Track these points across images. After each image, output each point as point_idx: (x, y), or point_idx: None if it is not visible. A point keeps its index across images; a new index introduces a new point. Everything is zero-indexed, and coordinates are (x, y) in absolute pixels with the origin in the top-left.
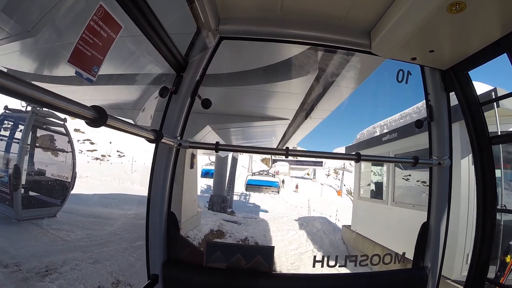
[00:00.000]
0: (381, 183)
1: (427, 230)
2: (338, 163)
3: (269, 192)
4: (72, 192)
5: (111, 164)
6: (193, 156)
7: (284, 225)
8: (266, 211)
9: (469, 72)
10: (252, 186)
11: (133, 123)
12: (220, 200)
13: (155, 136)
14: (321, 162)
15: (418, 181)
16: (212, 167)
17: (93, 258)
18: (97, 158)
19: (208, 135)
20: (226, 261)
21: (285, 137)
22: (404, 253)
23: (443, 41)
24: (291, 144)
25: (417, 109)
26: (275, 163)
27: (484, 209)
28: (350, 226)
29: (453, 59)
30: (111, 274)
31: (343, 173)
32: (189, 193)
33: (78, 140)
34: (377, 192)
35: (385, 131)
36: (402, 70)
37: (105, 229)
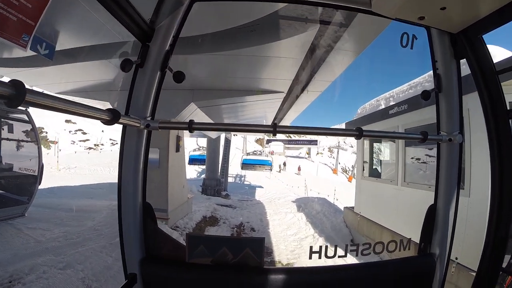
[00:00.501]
0: (389, 162)
1: (434, 213)
2: (333, 141)
3: (263, 170)
4: (57, 184)
5: (100, 153)
6: (179, 139)
7: (281, 207)
8: (262, 187)
9: (483, 35)
10: (247, 165)
11: (84, 103)
12: (213, 184)
13: (111, 117)
14: (316, 140)
15: (431, 157)
16: (201, 153)
17: (65, 261)
18: (89, 148)
19: (195, 114)
20: (211, 255)
21: (279, 115)
22: (409, 240)
23: None
24: (287, 122)
25: (429, 78)
26: (269, 143)
27: (501, 192)
28: (352, 208)
29: (466, 21)
30: (83, 280)
31: (338, 151)
32: (176, 179)
33: (70, 131)
34: (385, 172)
35: (392, 103)
36: (406, 33)
37: (85, 224)
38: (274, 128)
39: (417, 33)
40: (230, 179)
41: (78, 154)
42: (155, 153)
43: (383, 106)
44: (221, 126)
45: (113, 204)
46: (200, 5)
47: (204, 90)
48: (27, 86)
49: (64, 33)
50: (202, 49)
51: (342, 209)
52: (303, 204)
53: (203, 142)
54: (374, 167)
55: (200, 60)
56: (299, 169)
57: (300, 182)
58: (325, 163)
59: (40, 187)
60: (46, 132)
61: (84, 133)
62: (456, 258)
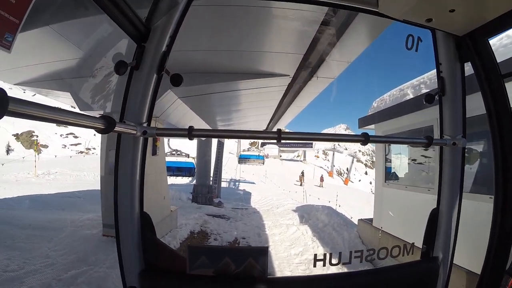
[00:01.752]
0: (426, 165)
1: (437, 217)
2: (328, 144)
3: (256, 163)
4: (30, 193)
5: (84, 157)
6: (156, 139)
7: (281, 217)
8: (257, 192)
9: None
10: (243, 159)
11: (78, 111)
12: (205, 191)
13: (106, 125)
14: (311, 143)
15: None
16: (177, 159)
17: None
18: (81, 152)
19: (175, 108)
20: (212, 266)
21: (275, 117)
22: (413, 244)
23: None
24: (281, 125)
25: None
26: (264, 146)
27: (504, 194)
28: (369, 220)
29: (472, 23)
30: None
31: (333, 154)
32: (153, 189)
33: (61, 135)
34: (419, 178)
35: (424, 91)
36: (412, 35)
37: (39, 247)
38: (278, 135)
39: (421, 35)
40: (224, 184)
41: (62, 158)
42: None
43: (411, 96)
44: (222, 133)
45: (84, 219)
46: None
47: (186, 74)
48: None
49: (51, 31)
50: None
51: (353, 220)
52: (306, 214)
53: (177, 144)
54: (402, 172)
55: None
56: (321, 180)
57: (297, 187)
58: (320, 166)
59: (5, 196)
60: (37, 136)
61: (76, 137)
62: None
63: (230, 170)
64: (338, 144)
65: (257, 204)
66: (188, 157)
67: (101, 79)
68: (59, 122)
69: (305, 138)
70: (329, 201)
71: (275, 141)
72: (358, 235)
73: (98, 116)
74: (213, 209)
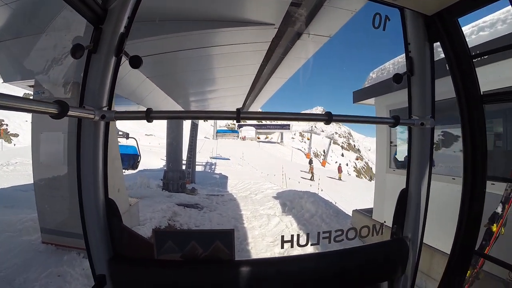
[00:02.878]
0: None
1: (406, 197)
2: (306, 126)
3: (232, 137)
4: None
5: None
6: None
7: (261, 206)
8: (234, 176)
9: (459, 19)
10: (221, 133)
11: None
12: (176, 177)
13: (59, 110)
14: (288, 125)
15: None
16: (129, 143)
17: None
18: None
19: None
20: (179, 251)
21: (254, 91)
22: (382, 224)
23: None
24: (258, 103)
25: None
26: (240, 128)
27: (473, 177)
28: (367, 212)
29: (442, 3)
30: None
31: (311, 136)
32: None
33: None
34: (441, 164)
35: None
36: (379, 13)
37: None
38: (237, 115)
39: (390, 14)
40: (199, 168)
41: (23, 147)
42: (57, 141)
43: None
44: (182, 114)
45: (28, 219)
46: None
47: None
48: None
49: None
50: None
51: (342, 208)
52: (288, 202)
53: (125, 125)
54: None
55: None
56: (340, 170)
57: (276, 169)
58: (297, 148)
59: None
60: (7, 125)
61: None
62: None
63: (206, 153)
64: (315, 126)
65: (234, 189)
66: (128, 138)
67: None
68: (10, 109)
69: (267, 118)
70: (310, 185)
71: (235, 121)
72: (354, 231)
73: (51, 101)
74: (185, 197)
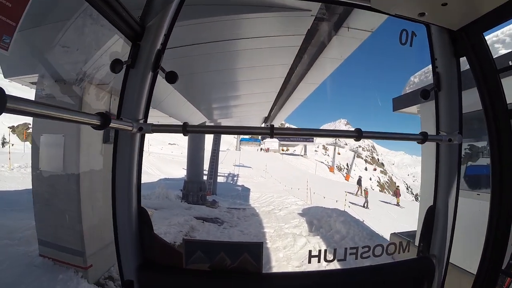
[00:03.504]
0: None
1: (433, 214)
2: (329, 139)
3: (254, 145)
4: None
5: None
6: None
7: (285, 223)
8: (256, 188)
9: (484, 33)
10: (244, 142)
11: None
12: (196, 188)
13: (102, 121)
14: (312, 138)
15: None
16: None
17: None
18: None
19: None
20: (208, 261)
21: (272, 112)
22: (409, 242)
23: None
24: (278, 121)
25: None
26: (264, 140)
27: (501, 193)
28: (411, 237)
29: (467, 18)
30: None
31: (334, 149)
32: (104, 192)
33: None
34: None
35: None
36: (406, 30)
37: None
38: (271, 131)
39: (416, 30)
40: (221, 179)
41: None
42: (54, 145)
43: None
44: (217, 129)
45: (30, 227)
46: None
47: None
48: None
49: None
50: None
51: (378, 232)
52: (316, 221)
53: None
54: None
55: None
56: (397, 194)
57: (299, 182)
58: (321, 161)
59: None
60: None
61: None
62: None
63: (228, 164)
64: (339, 139)
65: (257, 202)
66: None
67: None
68: (55, 119)
69: (298, 134)
70: (336, 200)
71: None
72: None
73: (94, 113)
74: (205, 210)
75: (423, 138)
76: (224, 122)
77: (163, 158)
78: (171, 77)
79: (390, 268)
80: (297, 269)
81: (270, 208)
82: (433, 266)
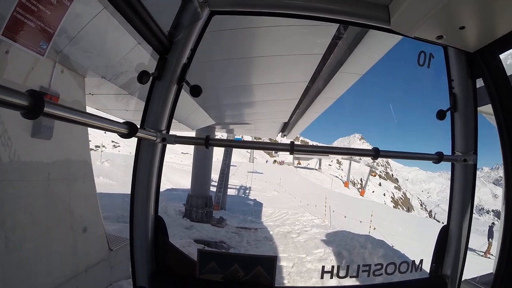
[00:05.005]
0: None
1: (447, 234)
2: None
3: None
4: None
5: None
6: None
7: (307, 254)
8: (269, 203)
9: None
10: None
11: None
12: (201, 203)
13: (129, 130)
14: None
15: None
16: None
17: None
18: (90, 149)
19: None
20: (221, 272)
21: (289, 124)
22: (421, 261)
23: (476, 16)
24: (294, 134)
25: None
26: (278, 152)
27: None
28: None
29: (483, 40)
30: None
31: (350, 164)
32: (50, 210)
33: None
34: None
35: None
36: (424, 52)
37: None
38: (291, 147)
39: (434, 52)
40: (232, 191)
41: None
42: None
43: None
44: (238, 144)
45: None
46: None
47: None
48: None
49: (78, 40)
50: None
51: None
52: (345, 252)
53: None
54: None
55: None
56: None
57: (316, 198)
58: (335, 175)
59: None
60: None
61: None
62: None
63: (241, 176)
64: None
65: (270, 220)
66: None
67: None
68: (86, 125)
69: (318, 151)
70: (360, 221)
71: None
72: (393, 265)
73: (122, 122)
74: (209, 230)
75: (438, 158)
76: (237, 130)
77: (172, 167)
78: (196, 91)
79: (402, 286)
80: (309, 285)
81: (286, 229)
82: (445, 285)
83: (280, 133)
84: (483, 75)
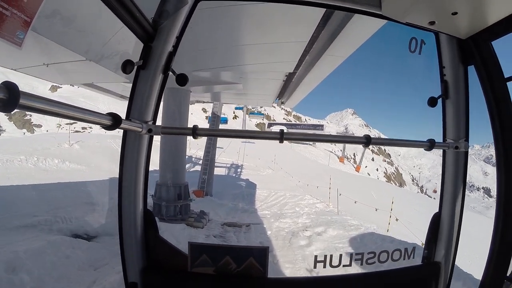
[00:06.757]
0: None
1: (438, 221)
2: (340, 127)
3: (260, 119)
4: None
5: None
6: None
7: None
8: (264, 186)
9: (492, 42)
10: (252, 115)
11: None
12: (174, 195)
13: (112, 122)
14: (322, 125)
15: None
16: None
17: None
18: (77, 131)
19: None
20: (213, 265)
21: (287, 90)
22: (414, 248)
23: (469, 1)
24: (293, 102)
25: None
26: (271, 127)
27: (507, 202)
28: None
29: (476, 26)
30: None
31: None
32: None
33: None
34: None
35: None
36: (415, 38)
37: None
38: (281, 136)
39: (424, 38)
40: (220, 171)
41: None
42: None
43: None
44: (227, 133)
45: None
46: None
47: None
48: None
49: (58, 27)
50: None
51: None
52: (366, 255)
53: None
54: None
55: None
56: None
57: (314, 176)
58: (330, 150)
59: None
60: (30, 115)
61: None
62: None
63: (232, 153)
64: (346, 129)
65: (265, 206)
66: None
67: None
68: (67, 117)
69: (308, 139)
70: (376, 209)
71: (278, 138)
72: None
73: (105, 113)
74: (181, 234)
75: (430, 145)
76: (224, 94)
77: (156, 146)
78: (182, 80)
79: (395, 274)
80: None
81: (287, 224)
82: (438, 272)
83: (277, 99)
84: (475, 62)
